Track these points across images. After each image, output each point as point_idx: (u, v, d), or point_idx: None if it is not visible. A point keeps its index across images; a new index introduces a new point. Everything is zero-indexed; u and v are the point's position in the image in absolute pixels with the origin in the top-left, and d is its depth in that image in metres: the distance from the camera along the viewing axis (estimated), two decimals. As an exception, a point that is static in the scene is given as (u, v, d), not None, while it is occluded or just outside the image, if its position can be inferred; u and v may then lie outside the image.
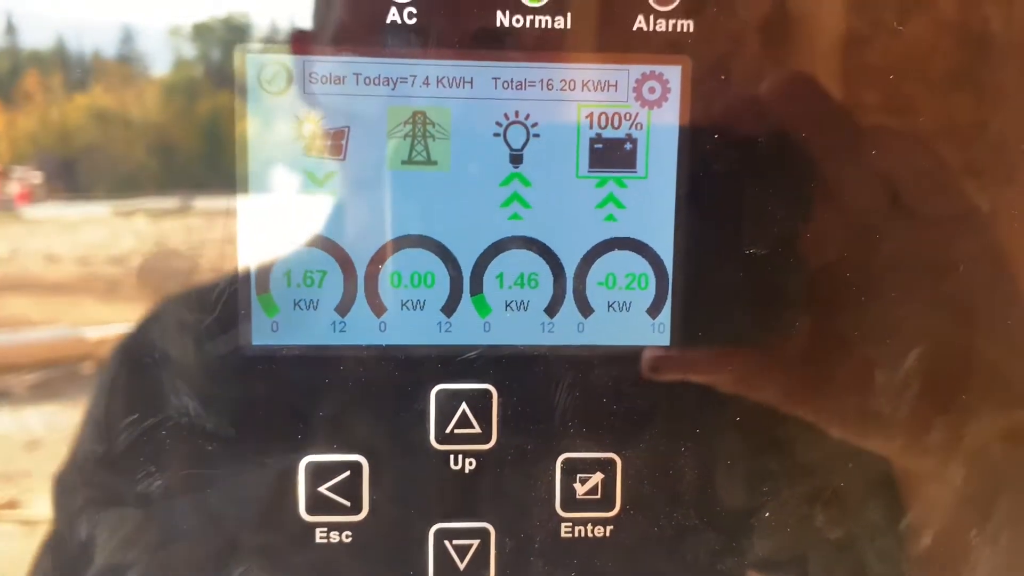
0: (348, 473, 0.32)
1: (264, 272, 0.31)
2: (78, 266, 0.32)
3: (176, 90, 0.31)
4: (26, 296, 0.32)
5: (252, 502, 0.32)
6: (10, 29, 0.30)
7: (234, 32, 0.30)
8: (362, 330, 0.32)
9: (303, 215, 0.31)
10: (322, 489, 0.32)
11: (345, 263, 0.32)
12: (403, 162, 0.31)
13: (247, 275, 0.31)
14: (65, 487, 0.32)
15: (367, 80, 0.31)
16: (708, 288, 0.33)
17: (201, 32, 0.30)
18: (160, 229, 0.32)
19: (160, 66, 0.31)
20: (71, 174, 0.31)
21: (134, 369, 0.31)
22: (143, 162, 0.31)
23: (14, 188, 0.31)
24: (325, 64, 0.31)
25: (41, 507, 0.32)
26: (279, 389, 0.32)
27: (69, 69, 0.30)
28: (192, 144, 0.31)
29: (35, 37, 0.30)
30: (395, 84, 0.31)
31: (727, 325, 0.33)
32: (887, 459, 0.34)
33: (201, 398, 0.31)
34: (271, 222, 0.31)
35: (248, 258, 0.31)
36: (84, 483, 0.32)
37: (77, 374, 0.33)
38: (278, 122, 0.31)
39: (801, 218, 0.32)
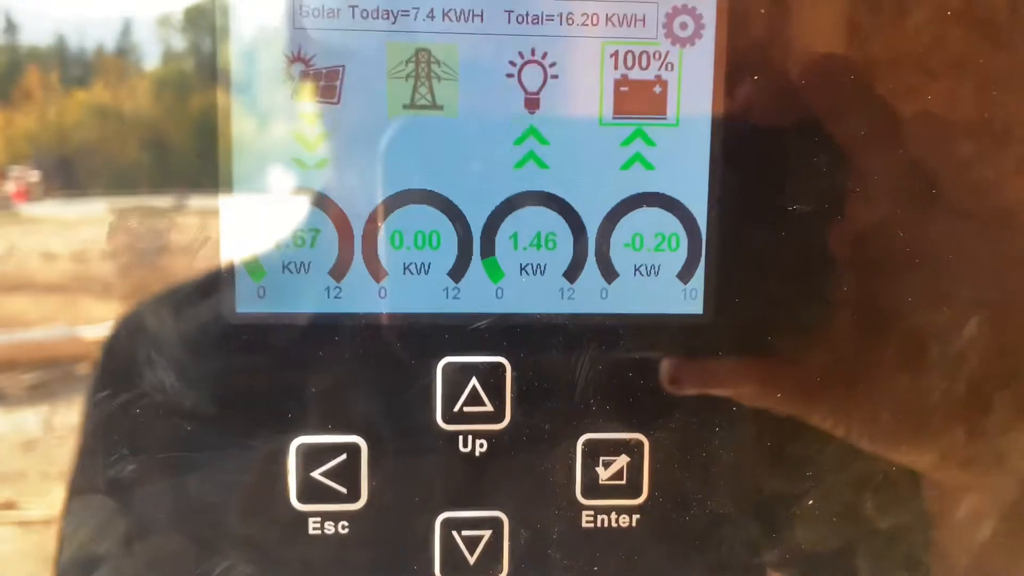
0: (344, 456, 0.29)
1: (249, 232, 0.28)
2: (75, 264, 0.31)
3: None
4: (23, 295, 0.31)
5: (237, 489, 0.29)
6: (8, 27, 0.28)
7: None
8: (360, 296, 0.29)
9: (293, 168, 0.28)
10: (315, 474, 0.29)
11: (340, 221, 0.29)
12: (404, 106, 0.28)
13: (230, 236, 0.28)
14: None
15: (364, 13, 0.28)
16: (746, 250, 0.30)
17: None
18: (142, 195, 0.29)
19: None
20: (69, 171, 0.29)
21: (106, 340, 0.28)
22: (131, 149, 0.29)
23: (11, 186, 0.30)
24: (317, -6, 0.27)
25: (38, 508, 0.31)
26: (267, 362, 0.29)
27: (67, 65, 0.28)
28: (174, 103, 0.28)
29: (31, 34, 0.28)
30: (396, 17, 0.28)
31: (766, 291, 0.30)
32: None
33: (179, 372, 0.29)
34: (257, 176, 0.28)
35: (231, 218, 0.28)
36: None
37: (74, 374, 0.32)
38: (263, 61, 0.28)
39: (848, 170, 0.29)
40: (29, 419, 0.32)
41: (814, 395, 0.31)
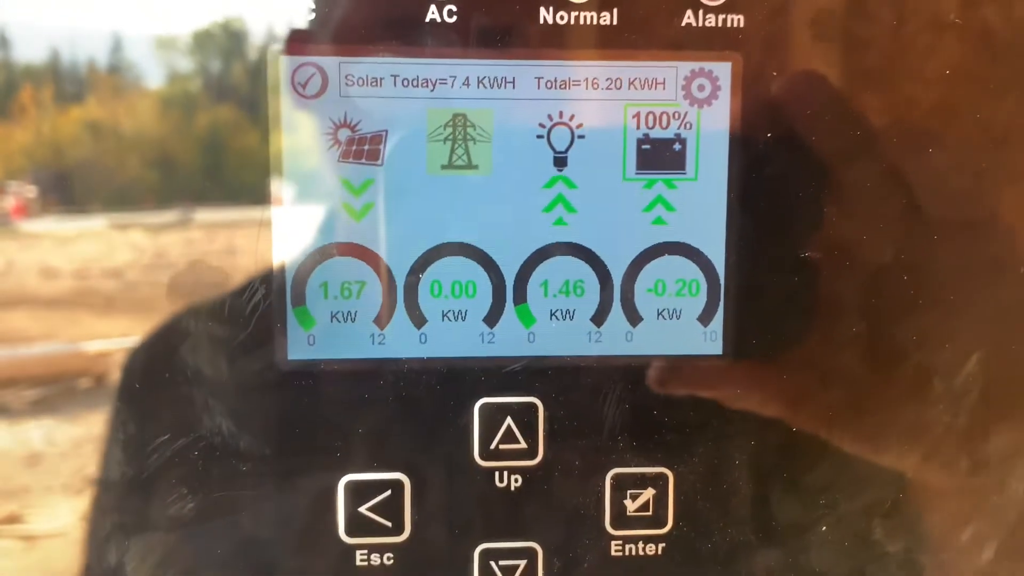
0: (389, 492, 0.31)
1: (300, 284, 0.30)
2: (76, 280, 0.32)
3: (199, 99, 0.30)
4: (23, 311, 0.32)
5: (289, 524, 0.31)
6: (3, 43, 0.30)
7: (270, 34, 0.29)
8: (402, 342, 0.31)
9: (340, 224, 0.30)
10: (362, 509, 0.31)
11: (383, 273, 0.30)
12: (443, 166, 0.30)
13: (282, 287, 0.30)
14: (95, 513, 0.31)
15: (406, 82, 0.30)
16: (762, 294, 0.31)
17: (233, 34, 0.29)
18: (187, 242, 0.30)
19: (191, 72, 0.30)
20: (67, 187, 0.30)
21: (165, 387, 0.30)
22: (152, 176, 0.30)
23: (9, 202, 0.31)
24: (362, 66, 0.29)
25: (41, 522, 0.32)
26: (316, 405, 0.31)
27: (63, 81, 0.29)
28: (219, 153, 0.30)
29: (29, 51, 0.30)
30: (434, 85, 0.30)
31: (782, 333, 0.32)
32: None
33: (235, 416, 0.30)
34: (306, 232, 0.30)
35: (283, 270, 0.30)
36: (112, 507, 0.31)
37: (76, 389, 0.32)
38: (311, 127, 0.30)
39: (856, 220, 0.31)
40: (32, 434, 0.32)
41: (800, 401, 0.32)
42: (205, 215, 0.30)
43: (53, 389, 0.33)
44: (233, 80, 0.30)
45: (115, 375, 0.31)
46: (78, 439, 0.32)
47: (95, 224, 0.31)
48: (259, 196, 0.30)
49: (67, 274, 0.31)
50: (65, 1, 0.29)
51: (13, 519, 0.32)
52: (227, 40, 0.29)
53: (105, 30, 0.29)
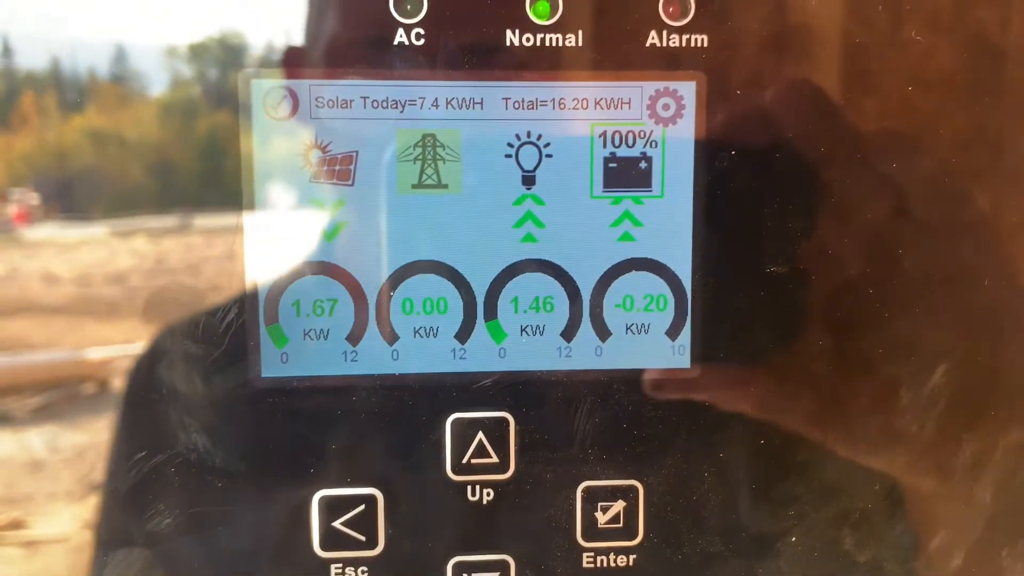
0: (363, 507, 0.31)
1: (272, 302, 0.31)
2: (78, 287, 0.32)
3: (176, 111, 0.30)
4: (26, 318, 0.32)
5: (265, 539, 0.31)
6: (6, 52, 0.30)
7: (235, 54, 0.30)
8: (374, 359, 0.31)
9: (311, 243, 0.31)
10: (336, 524, 0.31)
11: (355, 291, 0.31)
12: (413, 186, 0.31)
13: (255, 306, 0.30)
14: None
15: (375, 103, 0.30)
16: (728, 308, 0.32)
17: (199, 53, 0.30)
18: (162, 256, 0.31)
19: (160, 87, 0.30)
20: (70, 194, 0.31)
21: (141, 404, 0.31)
22: (144, 183, 0.31)
23: (12, 209, 0.31)
24: (331, 88, 0.30)
25: (43, 528, 0.32)
26: (290, 422, 0.31)
27: (65, 89, 0.30)
28: (195, 168, 0.31)
29: (31, 59, 0.30)
30: (403, 107, 0.30)
31: (748, 346, 0.32)
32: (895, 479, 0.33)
33: (210, 433, 0.31)
34: (279, 251, 0.30)
35: (256, 288, 0.30)
36: (97, 522, 0.31)
37: (79, 395, 0.32)
38: (283, 148, 0.30)
39: (820, 234, 0.32)
40: (35, 440, 0.32)
41: (790, 406, 0.33)
42: (205, 221, 0.31)
43: (56, 395, 0.33)
44: (230, 90, 0.31)
45: (118, 382, 0.31)
46: (81, 446, 0.32)
47: (97, 231, 0.31)
48: (231, 216, 0.30)
49: (69, 280, 0.32)
50: (67, 11, 0.30)
51: (16, 525, 0.32)
52: (228, 49, 0.30)
53: (107, 39, 0.30)
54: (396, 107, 0.30)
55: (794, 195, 0.31)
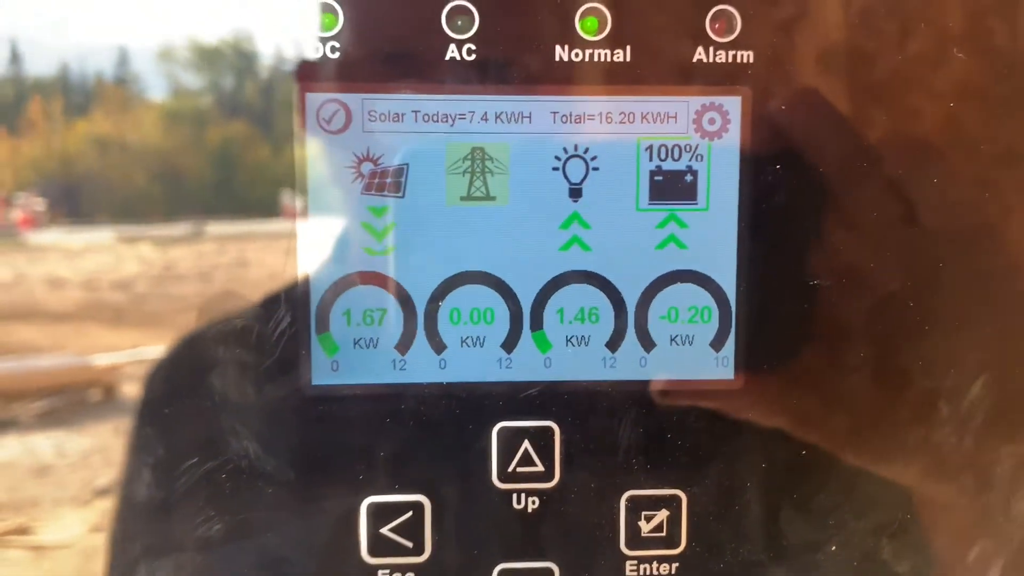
0: (410, 513, 0.32)
1: (324, 311, 0.31)
2: (84, 292, 0.32)
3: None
4: (32, 323, 0.32)
5: (313, 545, 0.32)
6: (14, 58, 0.30)
7: (291, 69, 0.30)
8: (422, 368, 0.32)
9: (362, 254, 0.31)
10: (384, 530, 0.32)
11: (404, 301, 0.31)
12: (462, 198, 0.31)
13: (307, 315, 0.31)
14: (120, 536, 0.32)
15: (426, 117, 0.31)
16: (772, 320, 0.32)
17: (219, 59, 0.30)
18: (213, 268, 0.31)
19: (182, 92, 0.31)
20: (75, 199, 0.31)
21: (193, 411, 0.31)
22: (162, 190, 0.31)
23: (17, 214, 0.31)
24: (384, 102, 0.30)
25: (50, 533, 0.32)
26: (340, 429, 0.31)
27: (72, 95, 0.30)
28: (250, 182, 0.31)
29: (38, 65, 0.30)
30: (454, 120, 0.31)
31: (791, 357, 0.32)
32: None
33: (261, 440, 0.31)
34: (330, 262, 0.31)
35: (308, 298, 0.31)
36: (142, 529, 0.32)
37: (85, 401, 0.33)
38: (336, 160, 0.31)
39: (865, 248, 0.32)
40: (41, 445, 0.33)
41: (800, 415, 0.33)
42: (216, 228, 0.31)
43: (62, 401, 0.33)
44: (246, 97, 0.31)
45: (125, 388, 0.32)
46: (87, 451, 0.32)
47: (103, 236, 0.31)
48: (271, 209, 0.31)
49: (75, 286, 0.32)
50: (74, 16, 0.30)
51: (22, 530, 0.32)
52: (238, 59, 0.31)
53: (113, 44, 0.30)
54: (446, 121, 0.31)
55: (837, 208, 0.32)
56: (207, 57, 0.30)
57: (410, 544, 0.32)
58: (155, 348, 0.32)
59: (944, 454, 0.33)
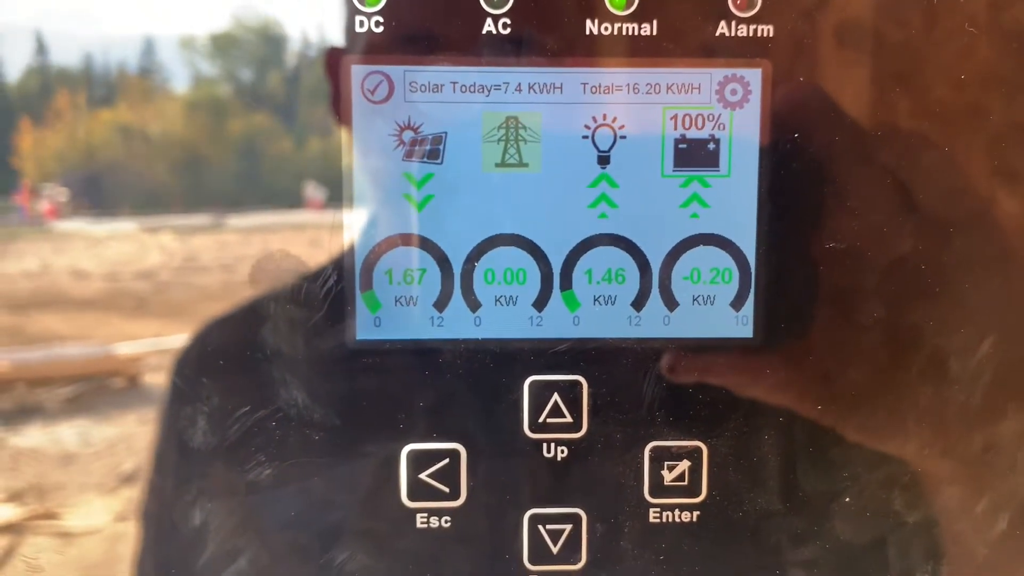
0: (447, 461, 0.34)
1: (367, 271, 0.33)
2: (107, 282, 0.33)
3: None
4: (56, 312, 0.33)
5: (356, 489, 0.34)
6: (40, 49, 0.31)
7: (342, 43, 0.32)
8: (458, 324, 0.34)
9: (403, 217, 0.33)
10: (423, 476, 0.34)
11: (442, 261, 0.33)
12: (496, 164, 0.33)
13: (352, 274, 0.33)
14: (175, 480, 0.34)
15: (463, 88, 0.32)
16: (790, 281, 0.34)
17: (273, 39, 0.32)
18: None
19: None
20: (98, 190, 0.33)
21: (246, 363, 0.33)
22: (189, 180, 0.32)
23: (43, 204, 0.32)
24: (424, 73, 0.32)
25: (76, 519, 0.33)
26: (381, 381, 0.33)
27: (97, 86, 0.31)
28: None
29: (63, 56, 0.31)
30: (489, 91, 0.33)
31: (808, 318, 0.34)
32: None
33: (309, 390, 0.33)
34: (374, 224, 0.33)
35: (353, 258, 0.33)
36: (197, 473, 0.34)
37: (109, 389, 0.34)
38: (380, 129, 0.33)
39: (878, 212, 0.34)
40: (66, 433, 0.33)
41: (805, 390, 0.34)
42: (239, 219, 0.33)
43: (85, 389, 0.34)
44: (270, 88, 0.33)
45: (148, 377, 0.33)
46: (111, 439, 0.33)
47: (126, 227, 0.32)
48: (294, 200, 0.33)
49: (98, 276, 0.33)
50: (98, 6, 0.31)
51: (49, 516, 0.34)
52: (264, 48, 0.32)
53: (137, 34, 0.31)
54: (483, 91, 0.33)
55: (852, 175, 0.33)
56: (232, 46, 0.32)
57: (447, 489, 0.34)
58: (177, 337, 0.33)
59: (954, 410, 0.35)
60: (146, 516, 0.35)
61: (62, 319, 0.33)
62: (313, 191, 0.33)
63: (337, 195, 0.33)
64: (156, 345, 0.33)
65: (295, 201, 0.34)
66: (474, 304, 0.34)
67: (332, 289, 0.33)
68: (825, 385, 0.34)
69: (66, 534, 0.34)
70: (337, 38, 0.32)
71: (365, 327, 0.33)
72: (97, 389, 0.34)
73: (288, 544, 0.34)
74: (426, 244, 0.33)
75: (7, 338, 0.33)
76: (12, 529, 0.34)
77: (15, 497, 0.34)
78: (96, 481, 0.33)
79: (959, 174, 0.34)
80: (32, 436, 0.35)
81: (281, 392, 0.33)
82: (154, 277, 0.33)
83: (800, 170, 0.33)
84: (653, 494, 0.34)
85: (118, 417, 0.34)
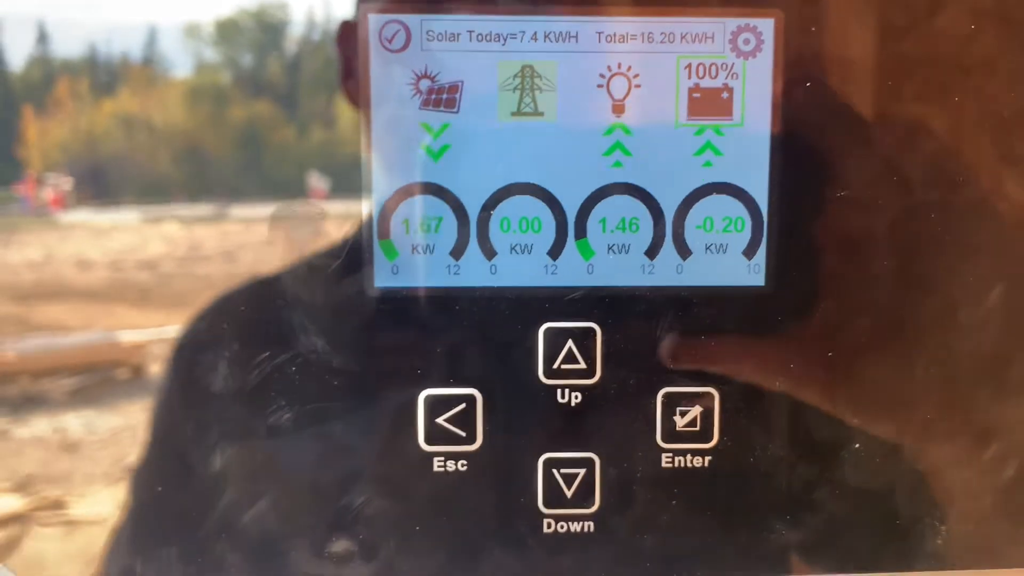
0: (463, 406, 0.34)
1: (385, 219, 0.34)
2: (110, 271, 0.33)
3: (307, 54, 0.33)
4: (61, 302, 0.33)
5: (375, 433, 0.35)
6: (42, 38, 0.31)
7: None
8: (474, 272, 0.34)
9: (420, 166, 0.34)
10: (440, 420, 0.34)
11: (458, 210, 0.34)
12: (512, 113, 0.33)
13: (370, 222, 0.34)
14: (194, 426, 0.35)
15: (479, 37, 0.33)
16: (801, 230, 0.34)
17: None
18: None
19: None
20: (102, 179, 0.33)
21: (266, 309, 0.34)
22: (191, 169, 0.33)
23: (48, 193, 0.32)
24: (441, 22, 0.33)
25: (82, 508, 0.34)
26: (400, 327, 0.34)
27: (99, 75, 0.32)
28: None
29: (66, 46, 0.31)
30: (505, 40, 0.33)
31: (819, 266, 0.35)
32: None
33: (328, 336, 0.34)
34: (392, 172, 0.33)
35: (371, 206, 0.34)
36: (217, 417, 0.35)
37: (114, 379, 0.34)
38: (397, 77, 0.33)
39: (888, 161, 0.34)
40: (71, 422, 0.34)
41: (801, 376, 0.35)
42: (241, 209, 0.33)
43: (90, 379, 0.34)
44: (272, 76, 0.33)
45: (153, 366, 0.33)
46: (116, 429, 0.33)
47: (129, 216, 0.32)
48: (296, 190, 0.33)
49: (102, 265, 0.33)
50: None
51: (55, 505, 0.34)
52: (265, 34, 0.33)
53: (139, 22, 0.31)
54: (498, 40, 0.33)
55: (862, 125, 0.34)
56: (235, 33, 0.32)
57: (463, 433, 0.34)
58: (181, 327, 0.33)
59: (962, 358, 0.35)
60: (138, 476, 0.35)
61: (66, 309, 0.34)
62: (317, 181, 0.34)
63: (341, 185, 0.33)
64: (160, 335, 0.34)
65: (299, 191, 0.35)
66: (490, 252, 0.34)
67: (352, 237, 0.34)
68: (836, 333, 0.35)
69: (72, 523, 0.34)
70: (347, 14, 0.32)
71: (383, 274, 0.34)
72: (102, 379, 0.35)
73: (307, 487, 0.35)
74: (443, 193, 0.34)
75: (12, 328, 0.33)
76: (18, 519, 0.35)
77: (21, 487, 0.34)
78: (102, 471, 0.34)
79: (967, 124, 0.34)
80: (37, 426, 0.35)
81: (301, 338, 0.34)
82: (158, 267, 0.33)
83: (812, 120, 0.34)
84: (665, 439, 0.35)
85: (123, 407, 0.34)
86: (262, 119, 0.34)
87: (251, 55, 0.33)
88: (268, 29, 0.33)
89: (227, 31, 0.33)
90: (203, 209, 0.33)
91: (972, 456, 0.36)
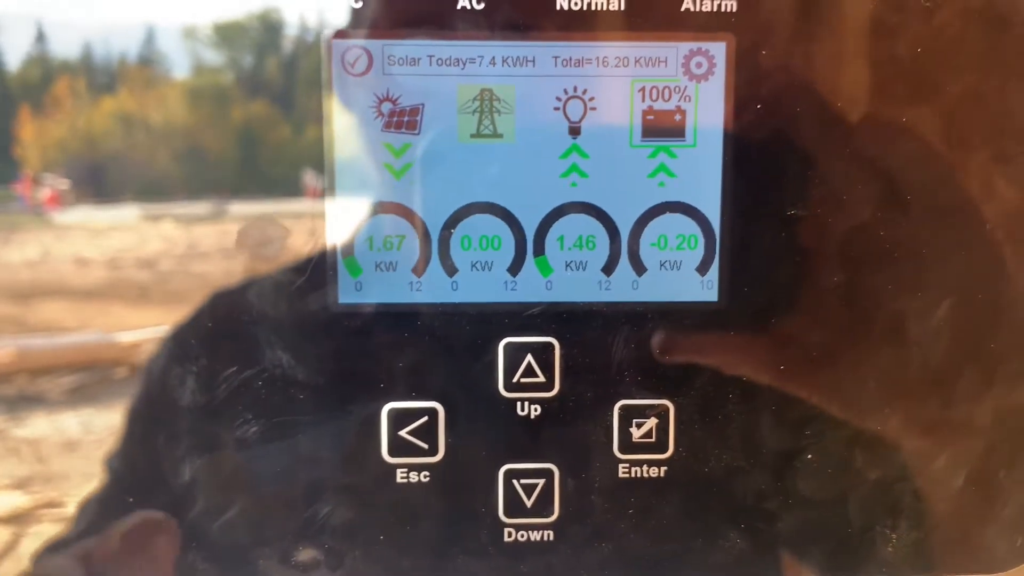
0: (426, 418, 0.35)
1: (349, 237, 0.35)
2: (109, 271, 0.34)
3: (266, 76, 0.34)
4: (58, 301, 0.33)
5: (339, 446, 0.35)
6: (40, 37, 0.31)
7: (318, 21, 0.34)
8: (436, 289, 0.35)
9: (383, 185, 0.34)
10: (402, 433, 0.35)
11: (420, 228, 0.35)
12: (472, 135, 0.34)
13: (334, 240, 0.35)
14: (165, 437, 0.36)
15: (439, 61, 0.34)
16: (753, 247, 0.35)
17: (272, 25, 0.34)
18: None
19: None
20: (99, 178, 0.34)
21: (234, 326, 0.35)
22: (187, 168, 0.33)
23: (45, 193, 0.33)
24: (402, 47, 0.34)
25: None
26: (363, 342, 0.35)
27: (96, 74, 0.32)
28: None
29: (63, 45, 0.31)
30: (465, 64, 0.34)
31: (771, 281, 0.35)
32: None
33: (294, 351, 0.35)
34: (355, 192, 0.34)
35: (335, 225, 0.34)
36: (186, 431, 0.36)
37: (111, 378, 0.35)
38: (360, 101, 0.34)
39: (837, 181, 0.35)
40: (69, 422, 0.34)
41: (788, 369, 0.36)
42: (239, 207, 0.34)
43: (88, 378, 0.35)
44: (269, 75, 0.34)
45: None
46: (115, 427, 0.34)
47: (127, 215, 0.33)
48: (293, 189, 0.34)
49: (100, 264, 0.33)
50: None
51: (53, 504, 0.34)
52: (262, 34, 0.34)
53: (137, 22, 0.32)
54: (458, 64, 0.34)
55: (812, 145, 0.35)
56: (233, 33, 0.33)
57: (426, 446, 0.35)
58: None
59: (912, 371, 0.36)
60: (110, 463, 0.36)
61: (64, 308, 0.34)
62: (312, 179, 0.35)
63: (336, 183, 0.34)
64: (158, 333, 0.34)
65: (294, 189, 0.35)
66: (451, 269, 0.35)
67: (315, 255, 0.34)
68: (788, 347, 0.36)
69: (70, 522, 0.35)
70: (340, 20, 0.33)
71: (347, 291, 0.35)
72: (100, 378, 0.35)
73: (273, 499, 0.36)
74: (405, 212, 0.35)
75: (9, 327, 0.34)
76: (16, 518, 0.35)
77: (19, 486, 0.35)
78: (100, 469, 0.34)
79: (920, 144, 0.35)
80: (35, 425, 0.36)
81: (267, 353, 0.35)
82: (156, 265, 0.34)
83: (763, 140, 0.35)
84: (622, 450, 0.36)
85: (121, 405, 0.34)
86: (259, 118, 0.34)
87: (249, 54, 0.34)
88: (266, 28, 0.34)
89: (225, 31, 0.33)
90: (201, 207, 0.33)
91: (925, 466, 0.37)
